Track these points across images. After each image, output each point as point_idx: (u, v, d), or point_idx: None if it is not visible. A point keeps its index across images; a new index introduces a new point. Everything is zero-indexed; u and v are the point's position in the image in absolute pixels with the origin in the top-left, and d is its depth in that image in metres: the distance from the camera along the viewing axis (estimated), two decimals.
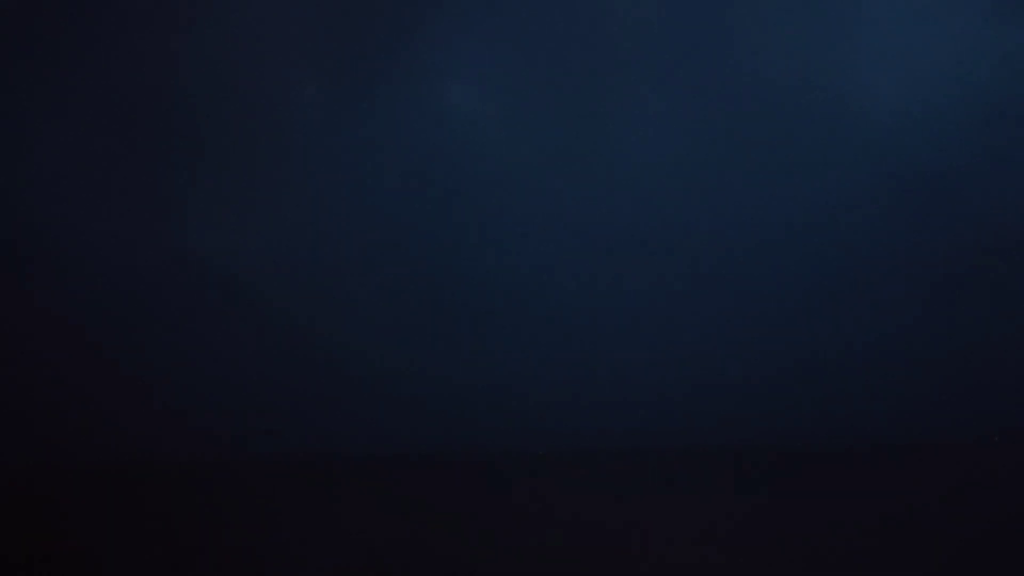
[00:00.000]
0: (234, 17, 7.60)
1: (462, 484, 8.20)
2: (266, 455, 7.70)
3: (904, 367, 7.72)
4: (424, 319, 7.85)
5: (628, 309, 7.84)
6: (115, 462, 7.92)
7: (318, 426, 7.73)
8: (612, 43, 7.83)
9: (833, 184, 7.72)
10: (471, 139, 7.78)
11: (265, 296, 7.72)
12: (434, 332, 7.80)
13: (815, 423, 7.68)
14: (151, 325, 7.76)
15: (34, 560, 6.50)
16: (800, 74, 7.81)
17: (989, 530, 6.77)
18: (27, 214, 7.61)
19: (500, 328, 7.83)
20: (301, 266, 7.83)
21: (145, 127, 7.80)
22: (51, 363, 7.66)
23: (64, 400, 7.60)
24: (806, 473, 8.25)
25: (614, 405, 7.82)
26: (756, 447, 8.16)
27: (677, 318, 7.79)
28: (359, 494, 7.74)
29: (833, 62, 7.84)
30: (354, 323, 7.83)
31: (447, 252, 7.81)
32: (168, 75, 7.75)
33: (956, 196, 7.82)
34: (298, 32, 7.71)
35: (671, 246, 7.83)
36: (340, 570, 6.18)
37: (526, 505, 7.50)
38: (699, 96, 7.78)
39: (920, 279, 7.82)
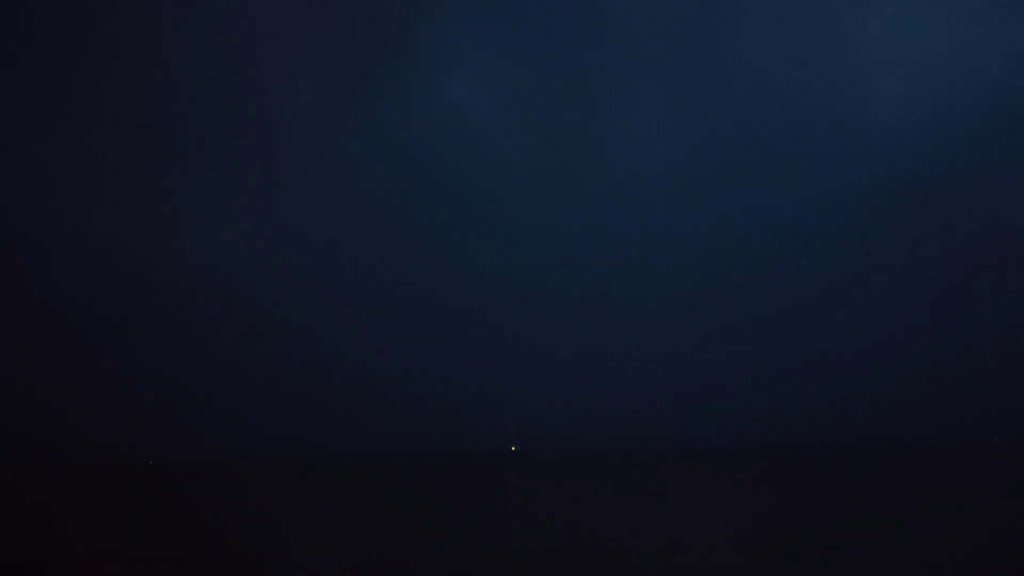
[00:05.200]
0: (232, 24, 7.70)
1: (461, 484, 8.22)
2: (266, 455, 7.73)
3: (905, 368, 7.75)
4: (423, 320, 7.92)
5: (627, 310, 7.88)
6: (115, 462, 7.95)
7: (317, 426, 7.79)
8: (613, 44, 7.91)
9: (836, 185, 7.79)
10: (469, 139, 7.86)
11: (263, 297, 7.78)
12: (433, 333, 7.86)
13: (816, 423, 7.71)
14: (151, 326, 7.83)
15: (34, 559, 6.53)
16: (803, 76, 7.88)
17: (989, 529, 6.77)
18: (27, 215, 7.69)
19: (499, 329, 7.88)
20: (298, 266, 7.90)
21: (143, 130, 7.89)
22: (51, 363, 7.71)
23: (64, 400, 7.66)
24: (807, 473, 8.25)
25: (614, 405, 7.86)
26: (756, 447, 8.16)
27: (677, 319, 7.83)
28: (358, 494, 7.76)
29: (836, 64, 7.91)
30: (352, 324, 7.89)
31: (445, 252, 7.88)
32: (166, 78, 7.84)
33: (959, 196, 7.87)
34: (295, 36, 7.82)
35: (670, 246, 7.88)
36: (339, 569, 6.20)
37: (525, 505, 7.52)
38: (700, 97, 7.85)
39: (922, 280, 7.86)
